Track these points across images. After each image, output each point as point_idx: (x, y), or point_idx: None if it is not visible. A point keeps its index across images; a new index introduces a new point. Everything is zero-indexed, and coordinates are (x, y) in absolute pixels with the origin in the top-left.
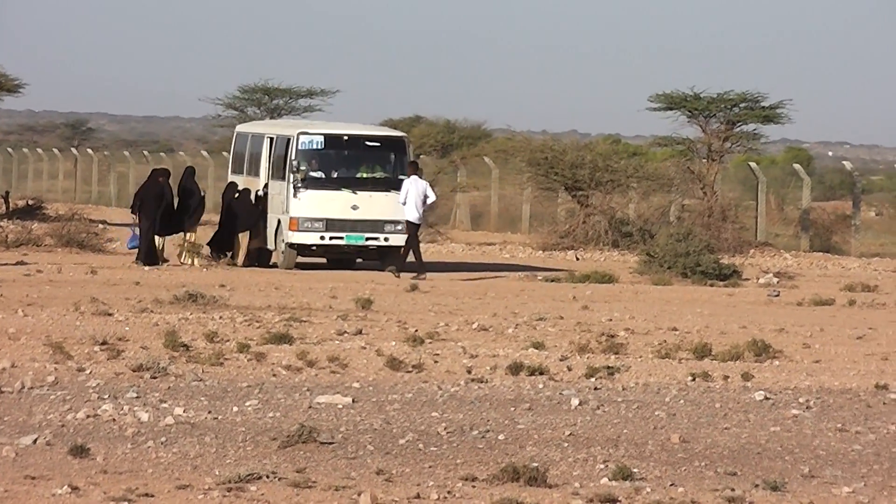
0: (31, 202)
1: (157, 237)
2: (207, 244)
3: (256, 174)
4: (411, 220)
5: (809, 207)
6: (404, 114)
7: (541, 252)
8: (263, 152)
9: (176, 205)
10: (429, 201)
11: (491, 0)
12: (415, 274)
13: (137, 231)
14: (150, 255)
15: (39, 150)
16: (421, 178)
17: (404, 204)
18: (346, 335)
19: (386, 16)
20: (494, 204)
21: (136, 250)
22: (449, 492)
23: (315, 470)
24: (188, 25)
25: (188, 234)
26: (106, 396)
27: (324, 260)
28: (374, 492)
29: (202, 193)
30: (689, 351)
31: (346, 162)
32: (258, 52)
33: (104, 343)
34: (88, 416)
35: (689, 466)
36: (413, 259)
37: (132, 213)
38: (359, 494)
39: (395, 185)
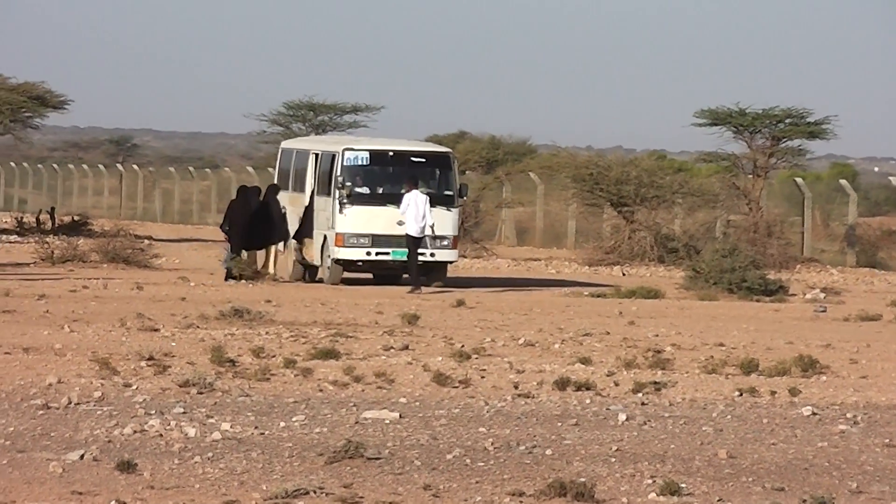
0: (76, 218)
1: (244, 252)
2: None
3: (302, 190)
4: (411, 233)
5: (855, 223)
6: (449, 130)
7: (586, 267)
8: (309, 168)
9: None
10: (427, 222)
11: (536, 17)
12: (411, 288)
13: (229, 248)
14: (230, 271)
15: (85, 167)
16: (422, 193)
17: (404, 215)
18: (392, 350)
19: (431, 32)
20: (540, 219)
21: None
22: None
23: (362, 485)
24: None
25: (275, 248)
26: (152, 412)
27: (370, 275)
28: None
29: (283, 210)
30: (736, 366)
31: (391, 178)
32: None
33: (150, 359)
34: (135, 432)
35: (736, 482)
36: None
37: (222, 230)
38: None
39: (440, 201)
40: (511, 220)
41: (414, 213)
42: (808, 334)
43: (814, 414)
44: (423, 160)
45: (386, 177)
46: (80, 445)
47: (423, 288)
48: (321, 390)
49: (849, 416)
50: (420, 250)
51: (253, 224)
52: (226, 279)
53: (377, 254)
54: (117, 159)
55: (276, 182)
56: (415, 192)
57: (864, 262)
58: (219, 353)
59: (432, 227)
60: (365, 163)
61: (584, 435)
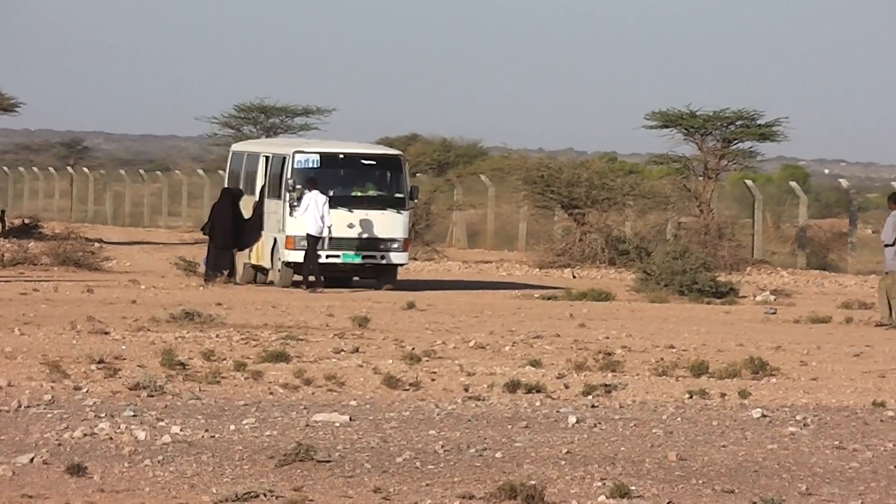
0: (27, 221)
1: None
2: (220, 268)
3: (252, 193)
4: (311, 233)
5: (806, 225)
6: (400, 132)
7: (537, 270)
8: (259, 171)
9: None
10: (326, 222)
11: (486, 19)
12: (311, 289)
13: (207, 252)
14: (210, 273)
15: (35, 170)
16: (322, 193)
17: (304, 215)
18: (343, 353)
19: (381, 34)
20: (491, 222)
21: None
22: None
23: (312, 488)
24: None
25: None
26: (103, 415)
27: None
28: None
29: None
30: (687, 369)
31: (342, 180)
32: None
33: (101, 362)
34: (85, 435)
35: (686, 484)
36: (309, 274)
37: (203, 233)
38: None
39: (391, 204)
40: (462, 222)
41: (314, 213)
42: (759, 336)
43: (764, 416)
44: (374, 163)
45: (337, 179)
46: (31, 448)
47: (322, 289)
48: (272, 393)
49: (799, 418)
50: (371, 253)
51: (235, 226)
52: (205, 280)
53: (328, 256)
54: (68, 162)
55: (227, 186)
56: (314, 192)
57: (814, 264)
58: (169, 356)
59: (329, 227)
60: (315, 165)
61: (534, 437)
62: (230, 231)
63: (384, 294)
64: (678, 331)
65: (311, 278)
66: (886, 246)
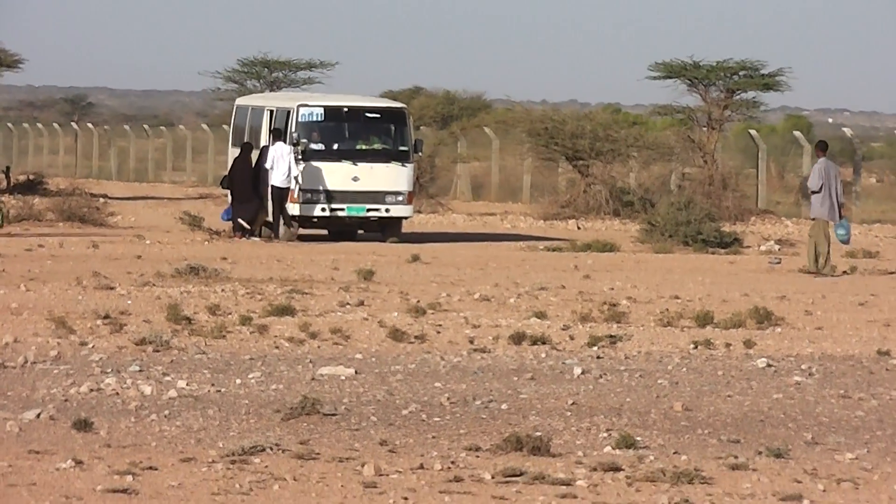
0: (31, 177)
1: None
2: (241, 219)
3: (257, 147)
4: (276, 185)
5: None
6: (404, 85)
7: (542, 222)
8: (263, 125)
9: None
10: (293, 173)
11: None
12: (280, 238)
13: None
14: (246, 227)
15: (40, 126)
16: (287, 144)
17: (271, 169)
18: (348, 307)
19: None
20: (495, 174)
21: (231, 222)
22: (452, 462)
23: (318, 442)
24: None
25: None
26: (109, 370)
27: (325, 232)
28: (377, 463)
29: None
30: (691, 319)
31: (346, 134)
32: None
33: (106, 317)
34: (91, 391)
35: (692, 434)
36: (277, 224)
37: (222, 187)
38: (362, 465)
39: (395, 157)
40: (466, 175)
41: (281, 165)
42: (764, 286)
43: (769, 366)
44: (378, 116)
45: (341, 133)
46: (37, 404)
47: (291, 236)
48: (277, 347)
49: (804, 367)
50: (375, 206)
51: (256, 179)
52: (237, 233)
53: (332, 210)
54: (72, 118)
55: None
56: (279, 143)
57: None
58: (175, 310)
59: (297, 178)
60: (320, 119)
61: (539, 389)
62: (250, 184)
63: (389, 247)
64: (683, 281)
65: (283, 228)
66: (813, 193)
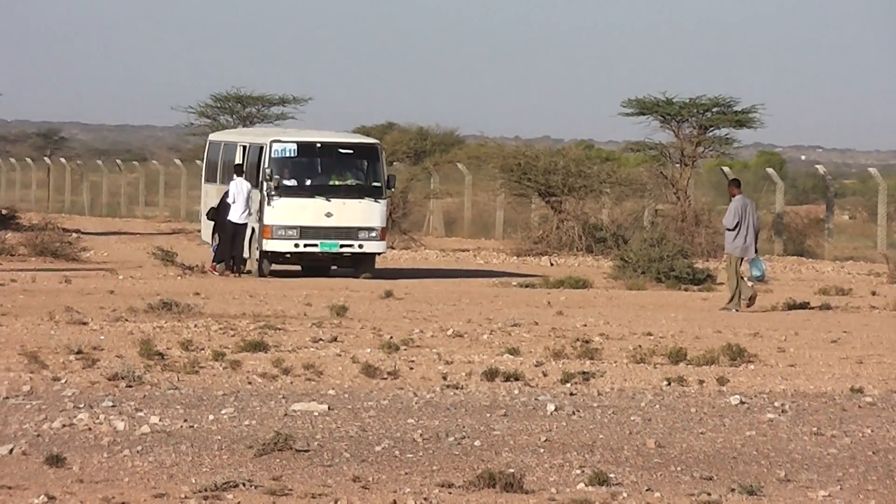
0: (4, 212)
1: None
2: (218, 260)
3: (230, 183)
4: (234, 220)
5: (783, 211)
6: (377, 121)
7: (515, 258)
8: (236, 160)
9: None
10: (252, 208)
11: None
12: (234, 272)
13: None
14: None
15: (12, 160)
16: (246, 180)
17: (232, 203)
18: (321, 342)
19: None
20: (468, 210)
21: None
22: (425, 499)
23: (291, 478)
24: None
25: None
26: (81, 405)
27: (298, 267)
28: (350, 499)
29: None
30: (664, 356)
31: (319, 169)
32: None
33: (79, 352)
34: (64, 426)
35: (664, 471)
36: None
37: (208, 217)
38: (335, 502)
39: (368, 192)
40: (439, 210)
41: (240, 201)
42: (737, 323)
43: (742, 403)
44: (351, 151)
45: (314, 168)
46: (9, 440)
47: (240, 273)
48: (250, 383)
49: (777, 404)
50: (348, 241)
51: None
52: (217, 266)
53: (305, 245)
54: (45, 152)
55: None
56: (239, 179)
57: (791, 250)
58: (147, 346)
59: (254, 215)
60: (293, 154)
61: (512, 425)
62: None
63: (362, 283)
64: (656, 318)
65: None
66: (728, 230)
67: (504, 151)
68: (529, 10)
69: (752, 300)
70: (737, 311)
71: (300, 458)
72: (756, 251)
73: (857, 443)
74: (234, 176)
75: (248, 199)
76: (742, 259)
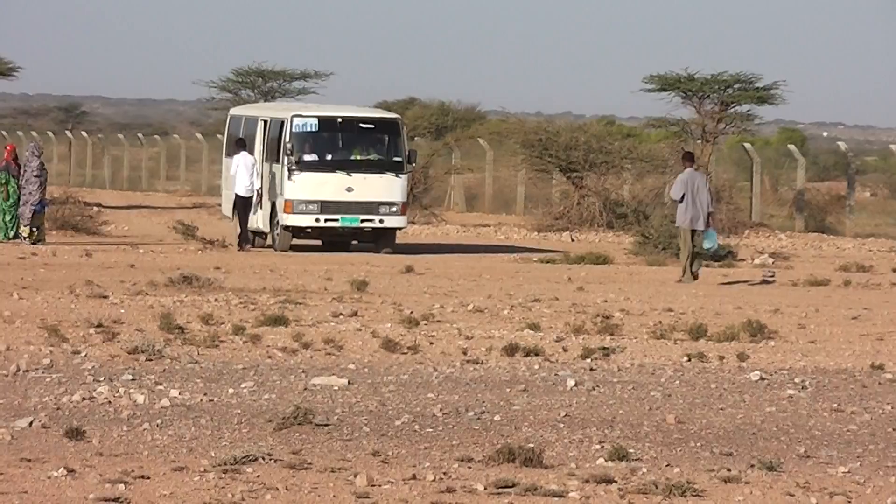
0: None
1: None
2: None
3: (233, 157)
4: (240, 194)
5: (804, 188)
6: (398, 96)
7: (535, 233)
8: (258, 135)
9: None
10: (255, 185)
11: None
12: (240, 246)
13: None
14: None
15: (34, 134)
16: (250, 154)
17: (234, 177)
18: (341, 317)
19: None
20: (489, 186)
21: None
22: (445, 473)
23: (311, 452)
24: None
25: None
26: (101, 379)
27: (319, 242)
28: (369, 473)
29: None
30: (685, 332)
31: (340, 144)
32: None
33: (99, 326)
34: (84, 399)
35: (684, 447)
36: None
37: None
38: (355, 476)
39: (389, 167)
40: (460, 186)
41: (244, 174)
42: (757, 299)
43: (762, 379)
44: (372, 126)
45: (335, 143)
46: (29, 412)
47: (251, 247)
48: (270, 357)
49: (797, 380)
50: (369, 216)
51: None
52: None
53: (326, 220)
54: (66, 126)
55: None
56: (243, 153)
57: (812, 227)
58: (168, 319)
59: (258, 190)
60: (314, 129)
61: (532, 400)
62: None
63: (382, 258)
64: (676, 294)
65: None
66: (676, 202)
67: (525, 127)
68: None
69: (695, 276)
70: (687, 282)
71: (319, 432)
72: (709, 224)
73: (877, 419)
74: (237, 149)
75: (253, 173)
76: (694, 232)
